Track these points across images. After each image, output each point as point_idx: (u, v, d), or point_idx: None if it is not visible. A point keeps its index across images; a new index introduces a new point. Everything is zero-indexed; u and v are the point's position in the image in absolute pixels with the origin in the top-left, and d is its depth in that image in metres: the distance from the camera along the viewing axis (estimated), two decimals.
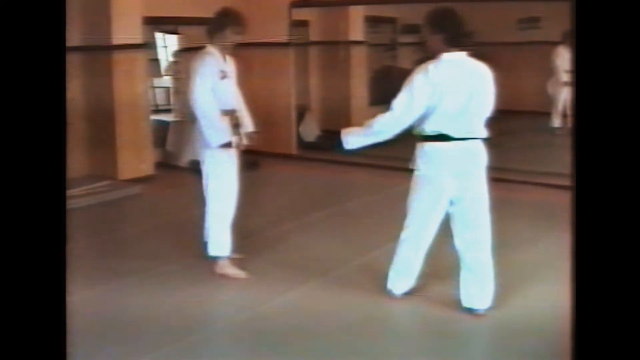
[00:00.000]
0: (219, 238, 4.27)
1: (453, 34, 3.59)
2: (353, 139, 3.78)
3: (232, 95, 4.36)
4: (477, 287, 3.66)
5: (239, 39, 4.33)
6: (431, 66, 3.51)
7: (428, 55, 3.62)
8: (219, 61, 4.27)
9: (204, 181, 4.29)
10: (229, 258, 4.30)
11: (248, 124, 4.49)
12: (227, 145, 4.21)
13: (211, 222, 4.29)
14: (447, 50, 3.55)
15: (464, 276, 3.67)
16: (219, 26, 4.25)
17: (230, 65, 4.40)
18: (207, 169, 4.28)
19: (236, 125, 4.32)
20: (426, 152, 3.58)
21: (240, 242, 4.37)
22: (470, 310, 3.65)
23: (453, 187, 3.59)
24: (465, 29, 3.69)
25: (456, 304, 3.69)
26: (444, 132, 3.51)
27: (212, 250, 4.29)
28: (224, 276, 4.25)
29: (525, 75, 11.52)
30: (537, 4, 10.16)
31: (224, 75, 4.27)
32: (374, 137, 3.68)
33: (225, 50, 4.32)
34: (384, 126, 3.61)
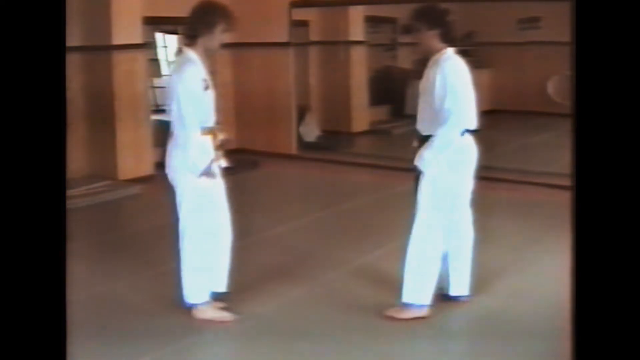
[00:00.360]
0: (195, 284, 3.68)
1: (448, 30, 3.60)
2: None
3: (212, 108, 3.62)
4: (462, 275, 3.78)
5: (227, 38, 3.61)
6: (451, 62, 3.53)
7: (424, 52, 3.62)
8: (201, 69, 3.53)
9: (178, 213, 3.66)
10: (210, 302, 3.72)
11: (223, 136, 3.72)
12: (209, 172, 3.53)
13: (184, 267, 3.68)
14: (442, 47, 3.56)
15: (452, 265, 3.75)
16: (208, 24, 3.49)
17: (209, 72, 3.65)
18: (182, 200, 3.62)
19: (220, 146, 3.64)
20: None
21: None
22: (455, 298, 3.77)
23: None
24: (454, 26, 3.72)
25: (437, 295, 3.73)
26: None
27: (189, 298, 3.69)
28: (206, 321, 3.67)
29: (525, 75, 11.53)
30: (537, 4, 10.16)
31: (207, 86, 3.54)
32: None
33: (209, 53, 3.62)
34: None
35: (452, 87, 3.43)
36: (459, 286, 3.79)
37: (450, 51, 3.57)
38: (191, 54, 3.51)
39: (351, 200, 6.40)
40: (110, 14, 6.89)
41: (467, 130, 3.52)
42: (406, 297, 3.61)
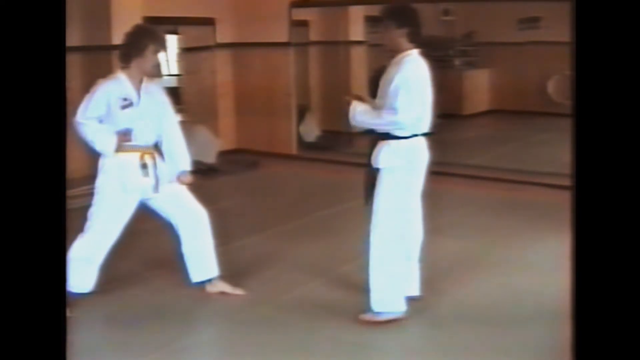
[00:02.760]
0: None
1: (417, 30, 3.56)
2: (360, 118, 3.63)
3: (143, 129, 3.76)
4: (414, 275, 3.74)
5: (158, 59, 3.83)
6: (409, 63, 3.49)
7: (390, 51, 3.57)
8: (125, 88, 3.72)
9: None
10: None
11: (180, 162, 3.89)
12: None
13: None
14: (408, 47, 3.52)
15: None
16: (137, 47, 3.68)
17: (149, 93, 3.79)
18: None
19: (144, 166, 3.76)
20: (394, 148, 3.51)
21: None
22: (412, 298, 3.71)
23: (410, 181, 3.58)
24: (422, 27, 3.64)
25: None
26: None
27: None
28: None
29: (525, 75, 11.53)
30: (537, 4, 10.15)
31: (127, 104, 3.70)
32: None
33: (142, 74, 3.75)
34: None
35: (406, 88, 3.40)
36: (413, 287, 3.73)
37: (415, 53, 3.53)
38: (120, 74, 3.74)
39: (351, 200, 6.39)
40: (110, 14, 6.89)
41: (423, 134, 3.52)
42: (377, 307, 3.55)
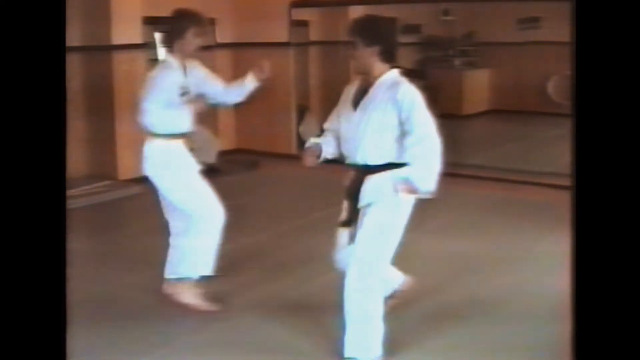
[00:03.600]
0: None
1: (390, 47, 3.12)
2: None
3: (190, 115, 3.83)
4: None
5: (201, 42, 3.79)
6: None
7: (362, 71, 3.12)
8: (179, 75, 3.76)
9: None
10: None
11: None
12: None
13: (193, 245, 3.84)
14: (383, 68, 3.09)
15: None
16: (177, 30, 3.71)
17: (193, 76, 3.85)
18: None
19: (192, 149, 3.87)
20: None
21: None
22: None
23: None
24: (398, 42, 3.21)
25: None
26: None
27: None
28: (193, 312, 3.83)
29: (525, 75, 11.53)
30: (537, 4, 10.15)
31: (184, 92, 3.76)
32: None
33: (186, 58, 3.79)
34: None
35: (419, 118, 3.02)
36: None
37: (395, 74, 3.10)
38: (170, 59, 3.75)
39: None
40: (110, 14, 6.89)
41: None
42: (350, 352, 3.15)
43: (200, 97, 3.82)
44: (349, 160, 3.26)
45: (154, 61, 8.05)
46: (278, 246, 4.97)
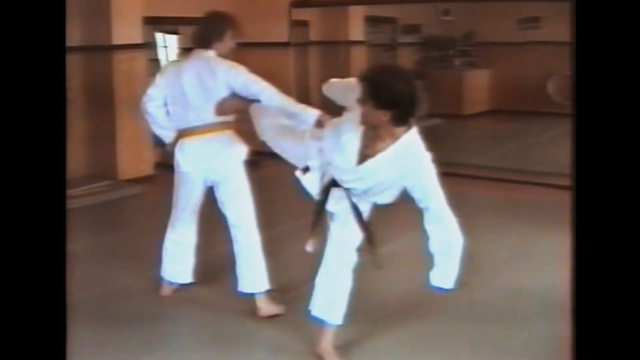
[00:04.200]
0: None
1: (405, 112, 2.74)
2: None
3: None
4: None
5: (233, 45, 3.93)
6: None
7: (367, 125, 2.82)
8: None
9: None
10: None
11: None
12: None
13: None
14: (397, 131, 2.78)
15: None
16: (217, 32, 3.81)
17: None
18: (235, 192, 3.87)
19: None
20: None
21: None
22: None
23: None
24: (419, 102, 2.76)
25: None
26: None
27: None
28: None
29: (525, 75, 11.54)
30: (537, 4, 10.16)
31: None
32: None
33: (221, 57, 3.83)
34: None
35: (432, 191, 2.89)
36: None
37: (411, 136, 2.79)
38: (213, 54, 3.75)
39: None
40: (110, 14, 6.89)
41: None
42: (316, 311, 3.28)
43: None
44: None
45: (154, 61, 8.07)
46: (278, 246, 4.96)
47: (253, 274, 3.81)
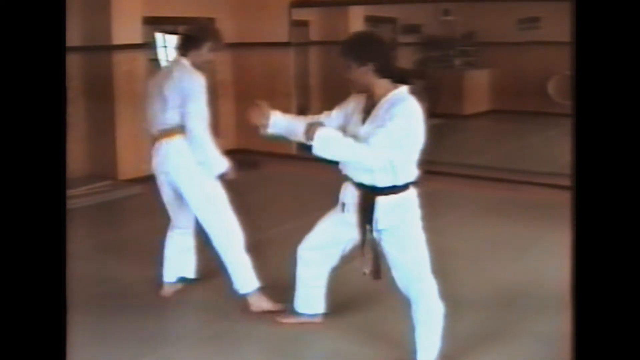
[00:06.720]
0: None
1: (386, 62, 2.99)
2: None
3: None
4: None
5: (212, 57, 3.88)
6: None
7: (363, 90, 3.04)
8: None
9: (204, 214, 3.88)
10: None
11: None
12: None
13: (231, 258, 3.88)
14: (385, 84, 2.98)
15: None
16: (195, 41, 3.79)
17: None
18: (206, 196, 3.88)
19: None
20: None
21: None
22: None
23: None
24: (395, 57, 3.09)
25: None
26: None
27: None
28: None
29: (525, 75, 11.54)
30: (537, 4, 10.16)
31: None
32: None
33: (194, 66, 3.82)
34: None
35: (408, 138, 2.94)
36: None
37: (403, 91, 2.96)
38: (186, 62, 3.76)
39: None
40: (110, 14, 6.89)
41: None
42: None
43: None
44: (353, 180, 3.33)
45: (154, 61, 8.08)
46: (278, 246, 4.96)
47: (239, 274, 3.83)
